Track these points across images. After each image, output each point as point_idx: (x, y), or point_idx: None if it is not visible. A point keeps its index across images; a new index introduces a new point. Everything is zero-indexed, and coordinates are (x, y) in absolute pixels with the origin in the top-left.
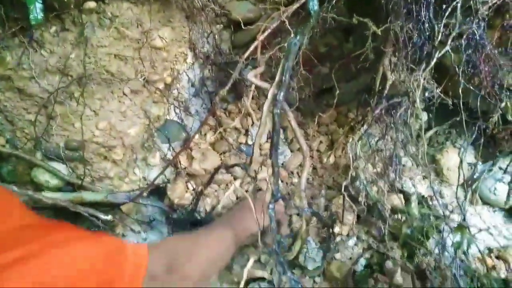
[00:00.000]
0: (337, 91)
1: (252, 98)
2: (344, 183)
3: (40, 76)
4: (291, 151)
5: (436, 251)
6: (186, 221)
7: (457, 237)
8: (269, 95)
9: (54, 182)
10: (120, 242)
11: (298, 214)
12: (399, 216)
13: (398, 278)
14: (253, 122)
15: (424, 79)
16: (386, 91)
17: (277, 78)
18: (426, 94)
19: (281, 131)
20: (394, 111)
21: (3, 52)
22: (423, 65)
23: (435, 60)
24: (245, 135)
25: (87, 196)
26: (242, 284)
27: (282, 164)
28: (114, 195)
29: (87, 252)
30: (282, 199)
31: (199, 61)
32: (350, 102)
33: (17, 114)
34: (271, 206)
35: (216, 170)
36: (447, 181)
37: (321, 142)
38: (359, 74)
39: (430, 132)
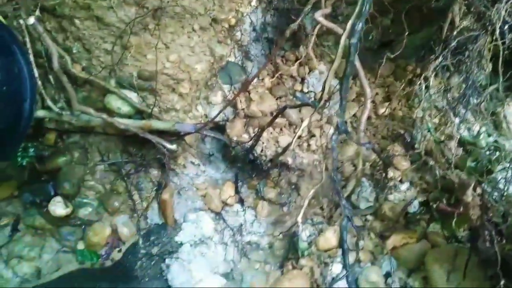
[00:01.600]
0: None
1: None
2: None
3: (118, 7)
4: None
5: (501, 185)
6: (243, 158)
7: None
8: (348, 26)
9: (125, 109)
10: None
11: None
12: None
13: (469, 193)
14: (310, 71)
15: (506, 11)
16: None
17: (357, 9)
18: (506, 27)
19: (337, 81)
20: (461, 55)
21: None
22: None
23: None
24: (301, 83)
25: (156, 124)
26: None
27: (335, 113)
28: (181, 124)
29: None
30: (345, 132)
31: (262, 5)
32: (409, 56)
33: (94, 43)
34: (334, 138)
35: (283, 109)
36: (506, 135)
37: (377, 93)
38: (421, 28)
39: (491, 88)
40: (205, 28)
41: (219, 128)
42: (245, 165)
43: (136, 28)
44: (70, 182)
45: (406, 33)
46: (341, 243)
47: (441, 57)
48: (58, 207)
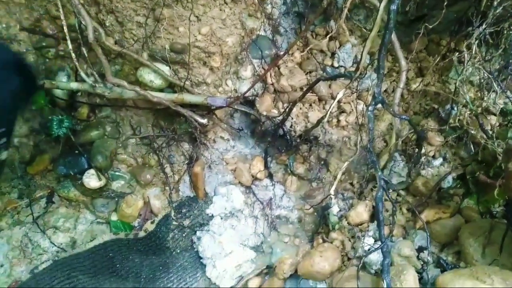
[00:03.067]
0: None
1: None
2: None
3: None
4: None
5: None
6: (272, 134)
7: None
8: None
9: (158, 82)
10: None
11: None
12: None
13: None
14: (340, 45)
15: None
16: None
17: None
18: None
19: (368, 56)
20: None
21: None
22: None
23: None
24: (331, 57)
25: (188, 97)
26: None
27: (367, 88)
28: (213, 98)
29: None
30: (382, 102)
31: None
32: (442, 31)
33: (127, 15)
34: (370, 108)
35: (316, 81)
36: None
37: (409, 69)
38: (455, 2)
39: None
40: (236, 0)
41: (249, 103)
42: (275, 140)
43: (169, 0)
44: (103, 155)
45: (445, 4)
46: (376, 214)
47: (480, 28)
48: (91, 180)
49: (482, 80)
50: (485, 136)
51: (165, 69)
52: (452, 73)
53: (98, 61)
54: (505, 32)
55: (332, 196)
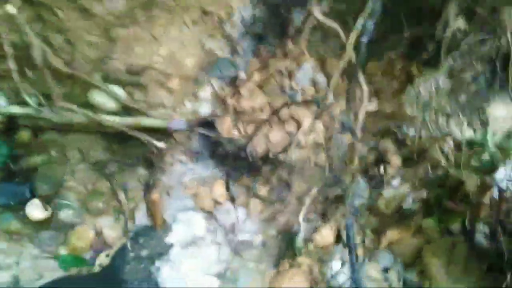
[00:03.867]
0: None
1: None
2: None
3: None
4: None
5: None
6: (233, 155)
7: None
8: (358, 24)
9: (111, 105)
10: None
11: None
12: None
13: (488, 194)
14: (298, 65)
15: None
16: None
17: (369, 7)
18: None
19: (325, 77)
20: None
21: None
22: None
23: None
24: (289, 78)
25: (146, 121)
26: None
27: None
28: (173, 122)
29: None
30: (351, 130)
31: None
32: (396, 54)
33: (78, 35)
34: (339, 136)
35: (281, 107)
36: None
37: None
38: (409, 25)
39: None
40: (196, 21)
41: (208, 124)
42: (235, 162)
43: (125, 20)
44: (48, 183)
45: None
46: (348, 242)
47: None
48: (36, 210)
49: (435, 103)
50: (446, 162)
51: (119, 91)
52: (406, 95)
53: (45, 82)
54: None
55: (301, 223)
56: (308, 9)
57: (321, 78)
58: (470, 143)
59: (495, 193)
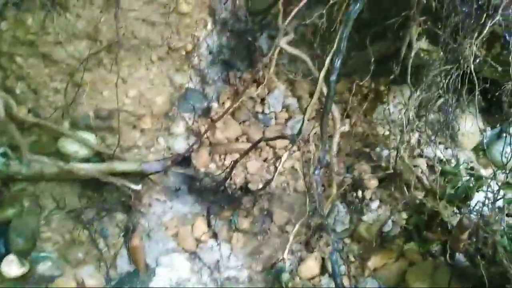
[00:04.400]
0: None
1: (265, 66)
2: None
3: (66, 42)
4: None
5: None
6: (212, 190)
7: (509, 194)
8: (326, 62)
9: (83, 152)
10: None
11: None
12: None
13: (467, 233)
14: (268, 91)
15: (476, 46)
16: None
17: (335, 46)
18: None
19: (295, 100)
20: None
21: (23, 15)
22: (476, 34)
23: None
24: (261, 103)
25: (120, 166)
26: None
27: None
28: (148, 164)
29: None
30: (327, 165)
31: (217, 28)
32: (362, 71)
33: (41, 82)
34: (317, 172)
35: (257, 142)
36: (461, 146)
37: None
38: (371, 43)
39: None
40: (162, 58)
41: (184, 159)
42: (215, 196)
43: (89, 64)
44: (23, 236)
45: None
46: (333, 276)
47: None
48: (11, 267)
49: (406, 122)
50: (421, 188)
51: (90, 137)
52: (376, 113)
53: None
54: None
55: (286, 259)
56: (274, 42)
57: (292, 101)
58: (444, 172)
59: (470, 220)
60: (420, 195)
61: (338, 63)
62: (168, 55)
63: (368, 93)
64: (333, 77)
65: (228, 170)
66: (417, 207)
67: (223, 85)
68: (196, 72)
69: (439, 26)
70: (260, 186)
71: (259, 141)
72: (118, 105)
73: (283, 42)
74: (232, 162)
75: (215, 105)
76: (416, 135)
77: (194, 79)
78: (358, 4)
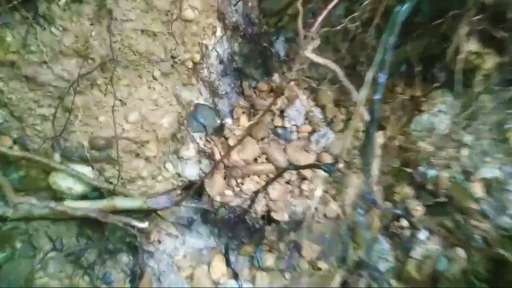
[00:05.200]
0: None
1: (282, 73)
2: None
3: (53, 61)
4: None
5: None
6: (229, 221)
7: None
8: (367, 78)
9: (78, 188)
10: None
11: None
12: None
13: None
14: (288, 102)
15: None
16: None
17: (377, 57)
18: None
19: (319, 110)
20: None
21: (1, 31)
22: None
23: None
24: (280, 116)
25: (121, 202)
26: None
27: (324, 147)
28: (155, 200)
29: None
30: (373, 203)
31: (228, 34)
32: (396, 75)
33: (26, 108)
34: (361, 211)
35: (283, 171)
36: None
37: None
38: (406, 41)
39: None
40: (167, 73)
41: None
42: (233, 229)
43: (81, 85)
44: (16, 282)
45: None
46: None
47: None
48: None
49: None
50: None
51: (86, 170)
52: (414, 124)
53: None
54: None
55: None
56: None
57: (315, 112)
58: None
59: None
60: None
61: (383, 78)
62: (173, 69)
63: (404, 101)
64: (377, 96)
65: (248, 202)
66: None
67: (237, 98)
68: (206, 85)
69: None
70: (285, 214)
71: (284, 170)
72: (117, 132)
73: (308, 52)
74: (253, 194)
75: (228, 121)
76: (466, 151)
77: (204, 94)
78: (406, 5)
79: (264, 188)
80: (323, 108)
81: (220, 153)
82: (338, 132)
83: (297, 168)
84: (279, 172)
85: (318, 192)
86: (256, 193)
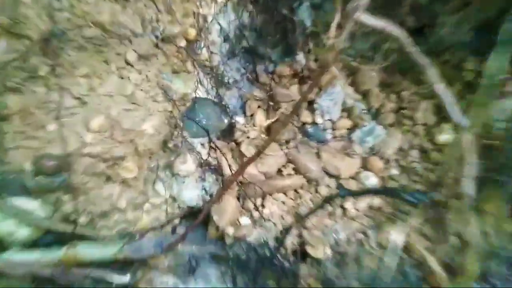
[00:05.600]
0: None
1: (308, 51)
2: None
3: None
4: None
5: None
6: (247, 260)
7: None
8: None
9: (23, 232)
10: None
11: None
12: None
13: None
14: (320, 90)
15: None
16: None
17: None
18: None
19: (360, 97)
20: None
21: None
22: None
23: None
24: (309, 109)
25: (86, 252)
26: None
27: (371, 148)
28: (135, 245)
29: None
30: None
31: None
32: (459, 48)
33: None
34: None
35: (327, 200)
36: None
37: (426, 109)
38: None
39: None
40: (147, 55)
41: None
42: (254, 269)
43: (15, 79)
44: None
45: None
46: None
47: None
48: None
49: None
50: None
51: (32, 205)
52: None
53: None
54: None
55: None
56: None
57: (355, 100)
58: None
59: None
60: None
61: None
62: (156, 50)
63: (476, 79)
64: None
65: (273, 232)
66: None
67: (249, 87)
68: (207, 72)
69: None
70: (327, 248)
71: (328, 200)
72: (76, 146)
73: (359, 12)
74: (285, 229)
75: (240, 119)
76: None
77: (204, 83)
78: None
79: (305, 218)
80: (365, 94)
81: (230, 166)
82: (389, 127)
83: (354, 194)
84: (319, 205)
85: (398, 239)
86: (287, 230)
